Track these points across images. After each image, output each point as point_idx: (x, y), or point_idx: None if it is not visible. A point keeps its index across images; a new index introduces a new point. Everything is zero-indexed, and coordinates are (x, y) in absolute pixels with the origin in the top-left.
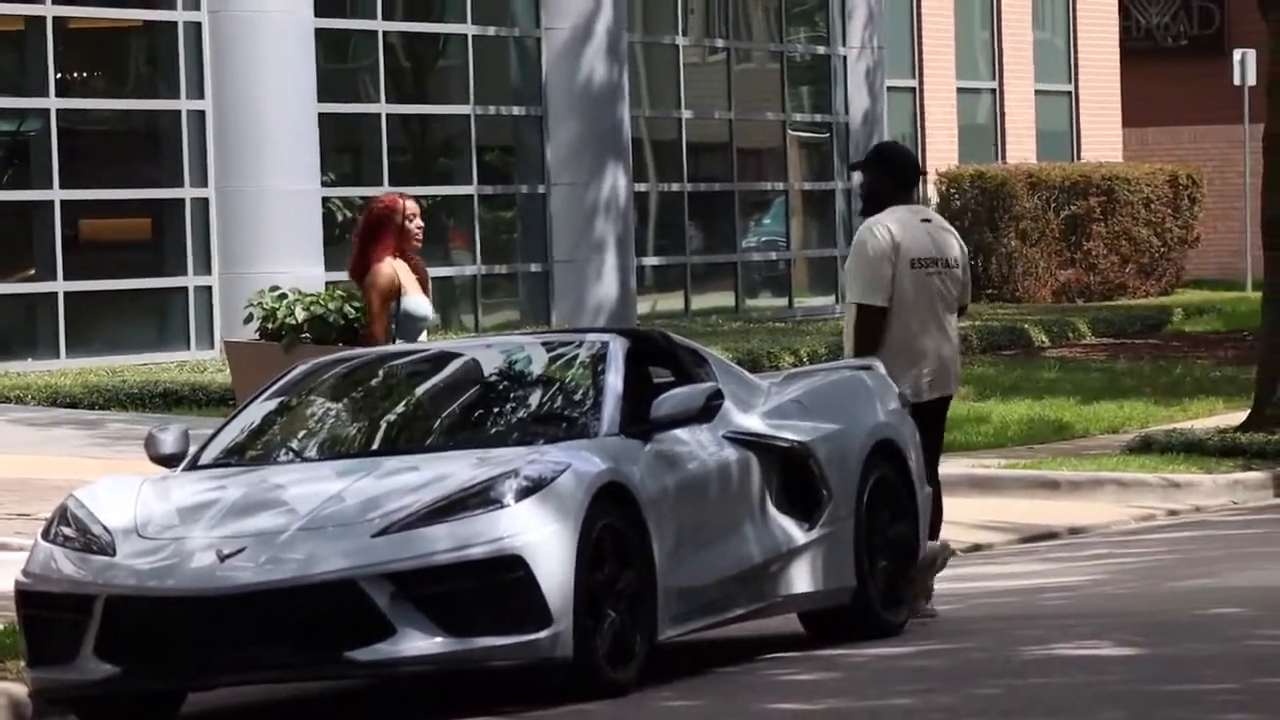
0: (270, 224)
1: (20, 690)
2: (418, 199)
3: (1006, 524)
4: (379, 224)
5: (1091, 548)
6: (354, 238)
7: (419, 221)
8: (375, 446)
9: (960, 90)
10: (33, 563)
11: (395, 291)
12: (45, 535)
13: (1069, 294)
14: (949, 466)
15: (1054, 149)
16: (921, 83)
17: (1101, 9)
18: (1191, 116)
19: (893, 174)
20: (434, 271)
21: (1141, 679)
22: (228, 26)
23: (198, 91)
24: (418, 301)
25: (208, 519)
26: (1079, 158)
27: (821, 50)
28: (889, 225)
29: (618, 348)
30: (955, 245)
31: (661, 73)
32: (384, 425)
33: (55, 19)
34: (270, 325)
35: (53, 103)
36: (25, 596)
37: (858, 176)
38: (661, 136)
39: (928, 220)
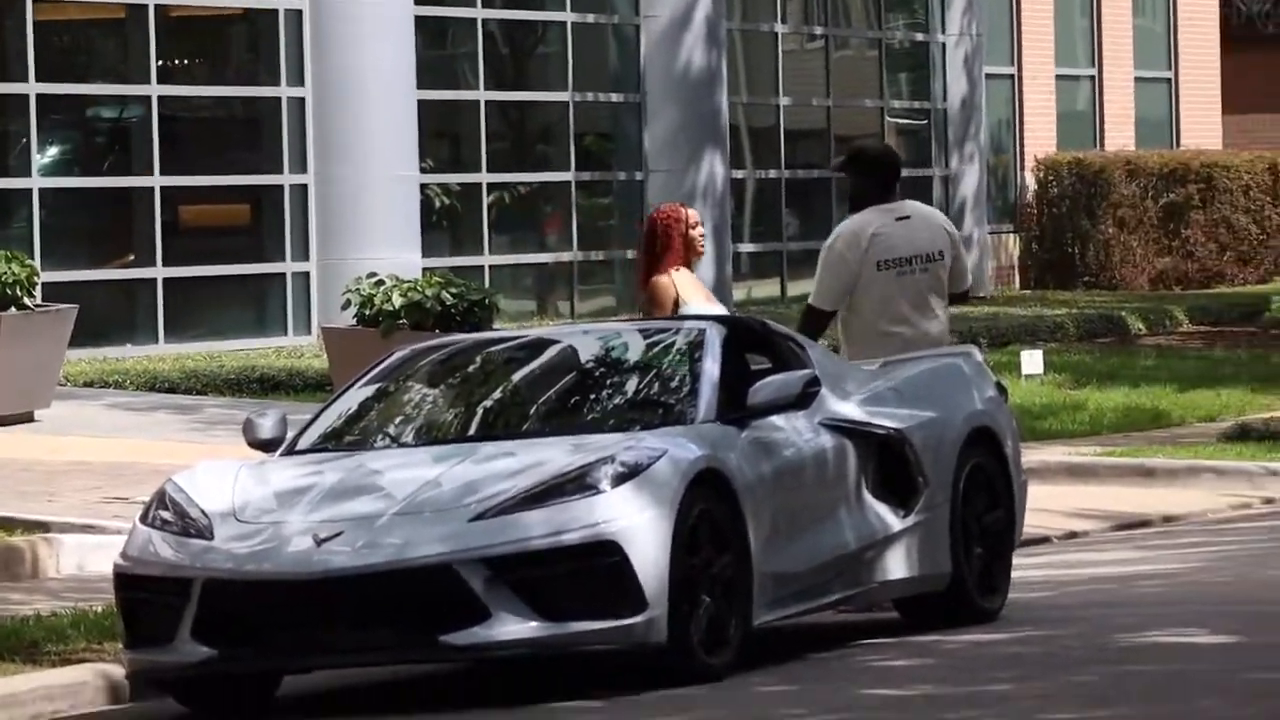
0: (368, 210)
1: (117, 671)
2: (518, 187)
3: (1102, 512)
4: (665, 234)
5: (1187, 535)
6: (638, 254)
7: (701, 229)
8: (472, 432)
9: (1059, 77)
10: (131, 546)
11: (674, 304)
12: (144, 519)
13: (1166, 281)
14: (1045, 454)
15: (1153, 136)
16: (1020, 70)
17: None
18: None
19: (870, 175)
20: (530, 258)
21: (1237, 667)
22: (328, 14)
23: (298, 79)
24: (701, 310)
25: (305, 503)
26: (1178, 145)
27: (920, 37)
28: (855, 230)
29: (715, 335)
30: (941, 237)
31: (760, 60)
32: (481, 411)
33: (157, 7)
34: (368, 311)
35: (154, 90)
36: (123, 579)
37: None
38: (759, 123)
39: (905, 218)
